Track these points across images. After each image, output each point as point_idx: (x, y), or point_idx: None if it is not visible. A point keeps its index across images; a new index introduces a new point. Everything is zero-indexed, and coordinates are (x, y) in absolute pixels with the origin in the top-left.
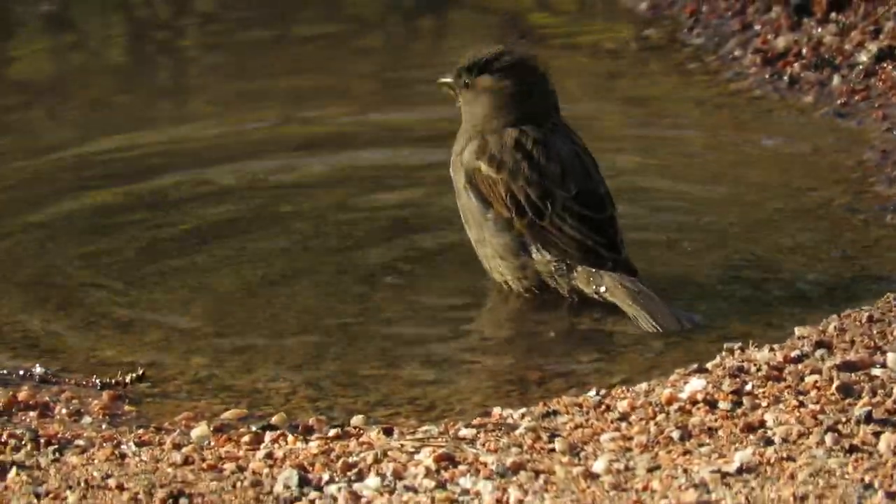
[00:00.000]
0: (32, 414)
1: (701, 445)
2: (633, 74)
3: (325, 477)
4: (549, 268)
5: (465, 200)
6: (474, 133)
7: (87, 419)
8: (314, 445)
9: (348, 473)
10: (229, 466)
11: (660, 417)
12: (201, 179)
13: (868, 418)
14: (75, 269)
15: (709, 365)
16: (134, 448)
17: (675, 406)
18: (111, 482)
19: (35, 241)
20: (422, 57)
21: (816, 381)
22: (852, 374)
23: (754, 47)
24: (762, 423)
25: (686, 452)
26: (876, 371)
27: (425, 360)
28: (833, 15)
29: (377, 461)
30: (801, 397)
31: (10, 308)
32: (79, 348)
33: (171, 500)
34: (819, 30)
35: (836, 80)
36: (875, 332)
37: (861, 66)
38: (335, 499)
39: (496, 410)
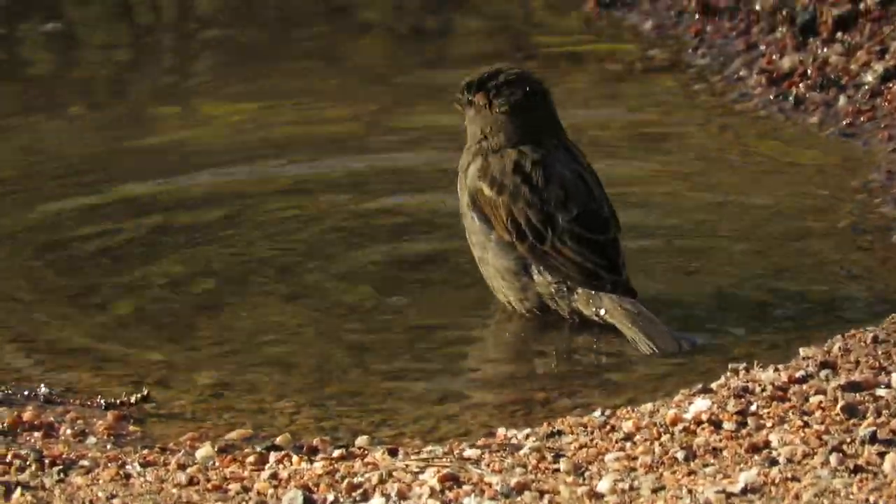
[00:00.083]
0: (37, 434)
1: (706, 466)
2: (637, 94)
3: (330, 497)
4: (550, 290)
5: (468, 221)
6: (477, 151)
7: (91, 439)
8: (319, 466)
9: (353, 494)
10: (234, 487)
11: (664, 438)
12: (202, 198)
13: (873, 438)
14: (79, 289)
15: (713, 385)
16: (139, 468)
17: (680, 426)
18: (116, 502)
19: (37, 260)
20: (426, 70)
21: (821, 402)
22: (857, 395)
23: (759, 67)
24: (767, 444)
25: (691, 473)
26: (881, 391)
27: (430, 381)
28: (839, 35)
29: (382, 482)
30: (805, 417)
31: (15, 328)
32: (83, 368)
33: None
34: (825, 50)
35: (841, 100)
36: (880, 352)
37: (867, 87)
38: None
39: (501, 431)
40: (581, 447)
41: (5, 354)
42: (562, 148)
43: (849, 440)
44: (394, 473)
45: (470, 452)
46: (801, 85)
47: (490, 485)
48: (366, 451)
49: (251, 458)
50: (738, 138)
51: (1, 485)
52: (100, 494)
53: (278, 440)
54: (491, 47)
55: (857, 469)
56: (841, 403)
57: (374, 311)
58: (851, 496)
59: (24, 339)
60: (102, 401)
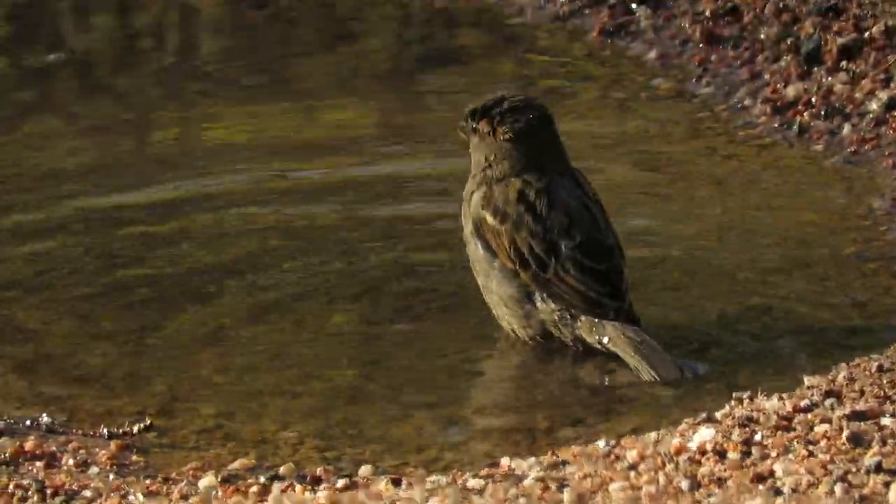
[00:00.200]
0: (39, 464)
1: (710, 495)
2: (642, 123)
3: None
4: (554, 317)
5: (472, 248)
6: (482, 180)
7: (94, 469)
8: (322, 496)
9: None
10: None
11: (669, 467)
12: (204, 225)
13: (878, 468)
14: (80, 317)
15: (718, 414)
16: (141, 498)
17: (685, 456)
18: None
19: (37, 290)
20: (428, 97)
21: (826, 431)
22: (862, 424)
23: (764, 96)
24: (772, 473)
25: (695, 502)
26: (886, 420)
27: (433, 410)
28: (843, 63)
29: None
30: (810, 447)
31: (17, 358)
32: (86, 398)
33: None
34: (829, 78)
35: (846, 128)
36: (885, 381)
37: (871, 115)
38: None
39: (504, 461)
40: (585, 477)
41: (8, 384)
42: (566, 176)
43: (854, 470)
44: (397, 503)
45: (473, 482)
46: (805, 113)
47: None
48: (369, 481)
49: (254, 489)
50: (742, 166)
51: None
52: None
53: (282, 470)
54: (494, 75)
55: (862, 499)
56: (846, 433)
57: (378, 339)
58: None
59: (26, 368)
60: (105, 430)
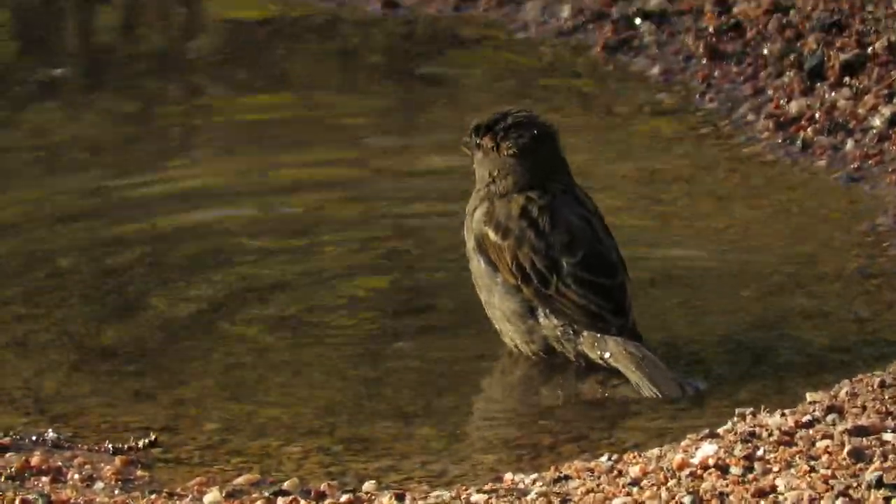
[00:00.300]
0: (45, 479)
1: None
2: (645, 139)
3: None
4: (556, 332)
5: (474, 264)
6: (485, 195)
7: (99, 484)
8: None
9: None
10: None
11: (671, 482)
12: (203, 237)
13: (879, 483)
14: (87, 333)
15: (720, 430)
16: None
17: (687, 471)
18: None
19: (45, 304)
20: (432, 112)
21: (828, 446)
22: (864, 439)
23: (767, 112)
24: (773, 489)
25: None
26: (887, 436)
27: (437, 425)
28: (846, 79)
29: None
30: (812, 462)
31: (23, 373)
32: (91, 413)
33: None
34: (832, 94)
35: (849, 144)
36: (887, 396)
37: (875, 131)
38: None
39: (508, 476)
40: (588, 492)
41: (13, 399)
42: (569, 192)
43: (855, 485)
44: None
45: (477, 497)
46: (808, 129)
47: None
48: (373, 496)
49: (259, 503)
50: (745, 182)
51: None
52: None
53: (286, 485)
54: (498, 90)
55: None
56: (848, 448)
57: (381, 354)
58: None
59: (32, 384)
60: (110, 446)
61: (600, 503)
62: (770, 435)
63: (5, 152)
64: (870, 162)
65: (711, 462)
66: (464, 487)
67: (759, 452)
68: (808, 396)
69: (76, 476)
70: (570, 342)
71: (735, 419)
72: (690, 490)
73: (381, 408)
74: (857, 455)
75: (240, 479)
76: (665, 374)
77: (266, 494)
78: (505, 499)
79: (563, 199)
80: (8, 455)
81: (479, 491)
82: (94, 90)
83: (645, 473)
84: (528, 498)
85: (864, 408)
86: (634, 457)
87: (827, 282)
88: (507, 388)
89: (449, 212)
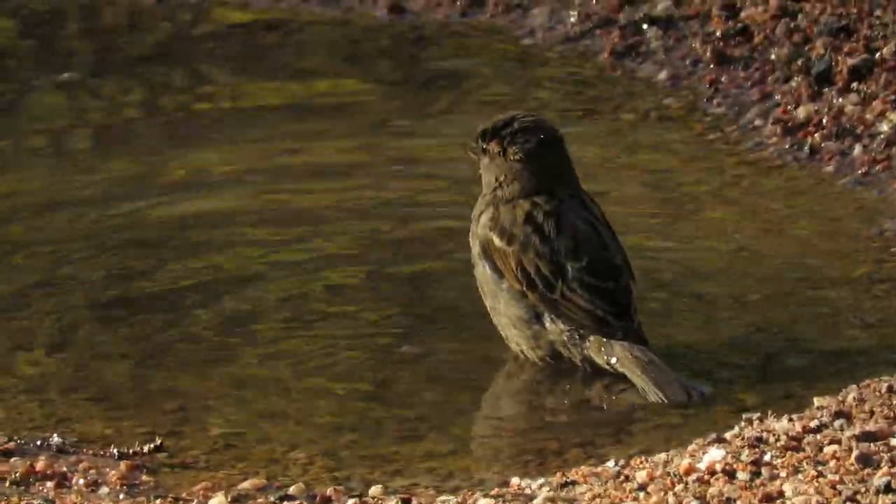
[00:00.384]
0: (50, 484)
1: None
2: (652, 144)
3: None
4: (562, 337)
5: (479, 270)
6: (490, 200)
7: (104, 489)
8: None
9: None
10: None
11: (678, 488)
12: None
13: (887, 488)
14: (93, 338)
15: (727, 435)
16: None
17: (694, 476)
18: None
19: (50, 309)
20: (437, 117)
21: (835, 452)
22: (871, 445)
23: (774, 117)
24: (781, 494)
25: None
26: (895, 441)
27: (443, 430)
28: (854, 84)
29: None
30: (819, 467)
31: (28, 377)
32: (96, 418)
33: None
34: (840, 99)
35: (857, 149)
36: (894, 402)
37: (882, 136)
38: None
39: (514, 480)
40: (595, 497)
41: (18, 404)
42: (576, 197)
43: (863, 490)
44: None
45: (483, 502)
46: (816, 134)
47: None
48: (379, 501)
49: None
50: (752, 187)
51: None
52: None
53: (292, 490)
54: (505, 96)
55: None
56: (855, 453)
57: (388, 359)
58: None
59: (36, 388)
60: (115, 451)
61: None
62: (777, 440)
63: (9, 141)
64: (878, 167)
65: (719, 467)
66: (470, 492)
67: (767, 457)
68: (816, 401)
69: (81, 481)
70: (576, 347)
71: (742, 424)
72: (697, 495)
73: (388, 412)
74: (865, 460)
75: (245, 484)
76: (671, 378)
77: (272, 499)
78: (512, 503)
79: (570, 203)
80: (13, 460)
81: (485, 496)
82: (100, 87)
83: (652, 478)
84: (535, 503)
85: (871, 413)
86: (641, 462)
87: (834, 287)
88: (514, 393)
89: (455, 215)
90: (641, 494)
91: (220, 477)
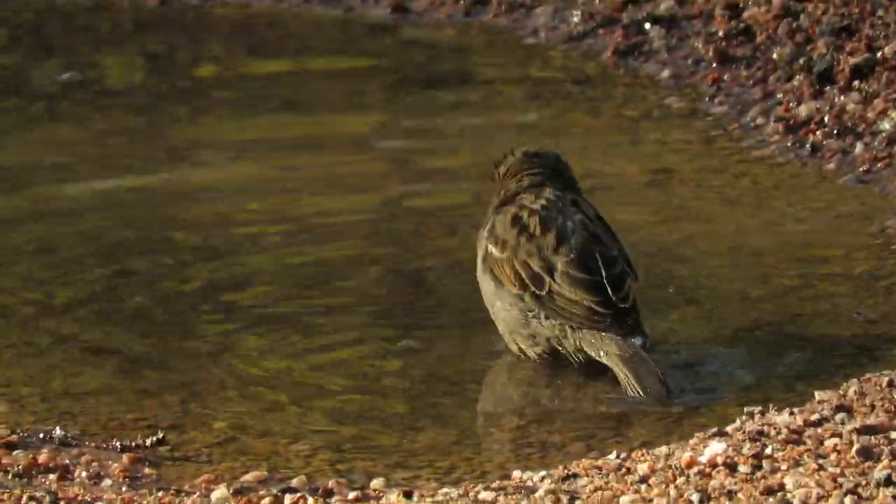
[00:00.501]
0: (52, 476)
1: None
2: (655, 142)
3: None
4: (556, 333)
5: (480, 275)
6: (492, 212)
7: (107, 482)
8: None
9: None
10: None
11: (680, 480)
12: (214, 236)
13: (888, 481)
14: (94, 331)
15: (729, 428)
16: None
17: (695, 469)
18: None
19: (52, 302)
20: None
21: (836, 445)
22: (872, 438)
23: (776, 115)
24: (782, 487)
25: None
26: (895, 435)
27: (445, 423)
28: (856, 83)
29: None
30: (820, 461)
31: (30, 370)
32: (99, 411)
33: None
34: (842, 98)
35: (858, 147)
36: (895, 396)
37: (884, 134)
38: None
39: (516, 473)
40: (596, 490)
41: (21, 397)
42: (567, 197)
43: (864, 483)
44: None
45: (485, 495)
46: (818, 132)
47: None
48: (381, 494)
49: (266, 501)
50: (754, 185)
51: None
52: None
53: (294, 482)
54: (508, 96)
55: None
56: (856, 446)
57: (390, 352)
58: None
59: (39, 382)
60: (118, 443)
61: (608, 501)
62: (778, 433)
63: (13, 144)
64: (879, 165)
65: (720, 460)
66: (472, 485)
67: (768, 451)
68: (817, 395)
69: (83, 474)
70: (569, 340)
71: (744, 417)
72: (699, 488)
73: (390, 405)
74: (866, 453)
75: (247, 477)
76: (650, 371)
77: (274, 492)
78: (513, 496)
79: (558, 202)
80: (15, 452)
81: (487, 488)
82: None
83: (653, 471)
84: (537, 495)
85: (872, 407)
86: (643, 454)
87: (836, 283)
88: (516, 386)
89: (457, 212)
90: (643, 487)
91: (222, 469)
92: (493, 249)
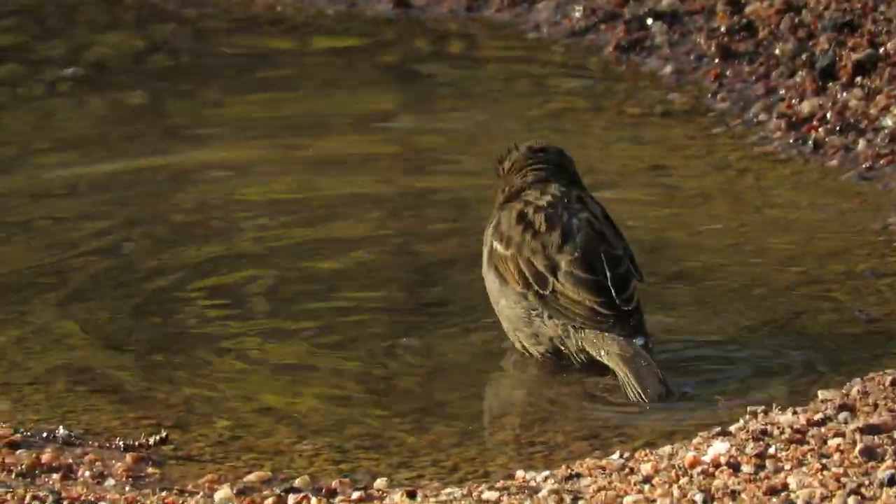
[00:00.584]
0: (56, 476)
1: None
2: (657, 138)
3: None
4: (559, 332)
5: (485, 272)
6: (496, 210)
7: (110, 481)
8: None
9: None
10: None
11: (683, 480)
12: (217, 239)
13: (891, 481)
14: (98, 331)
15: (732, 428)
16: None
17: (699, 469)
18: None
19: (55, 303)
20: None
21: (839, 444)
22: (875, 438)
23: (779, 111)
24: (785, 486)
25: None
26: None
27: (448, 423)
28: (858, 79)
29: None
30: (824, 460)
31: (34, 369)
32: (102, 410)
33: None
34: (844, 94)
35: (861, 143)
36: None
37: (886, 130)
38: None
39: (519, 473)
40: (599, 489)
41: (24, 396)
42: (572, 195)
43: (867, 483)
44: None
45: (488, 495)
46: (820, 129)
47: None
48: (384, 493)
49: (270, 500)
50: (757, 182)
51: None
52: None
53: (297, 482)
54: (510, 91)
55: None
56: (859, 446)
57: (392, 351)
58: None
59: (42, 381)
60: (121, 443)
61: (612, 501)
62: (782, 433)
63: (13, 134)
64: (881, 161)
65: (723, 460)
66: (475, 485)
67: (771, 450)
68: (820, 395)
69: (87, 473)
70: (572, 340)
71: (747, 417)
72: (702, 488)
73: (392, 405)
74: (869, 453)
75: (251, 477)
76: (651, 372)
77: (277, 492)
78: (517, 496)
79: (564, 199)
80: (19, 452)
81: (490, 488)
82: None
83: (656, 471)
84: (540, 495)
85: (875, 406)
86: (646, 454)
87: (838, 281)
88: (519, 386)
89: (459, 209)
90: (646, 487)
91: (226, 469)
92: (498, 246)
